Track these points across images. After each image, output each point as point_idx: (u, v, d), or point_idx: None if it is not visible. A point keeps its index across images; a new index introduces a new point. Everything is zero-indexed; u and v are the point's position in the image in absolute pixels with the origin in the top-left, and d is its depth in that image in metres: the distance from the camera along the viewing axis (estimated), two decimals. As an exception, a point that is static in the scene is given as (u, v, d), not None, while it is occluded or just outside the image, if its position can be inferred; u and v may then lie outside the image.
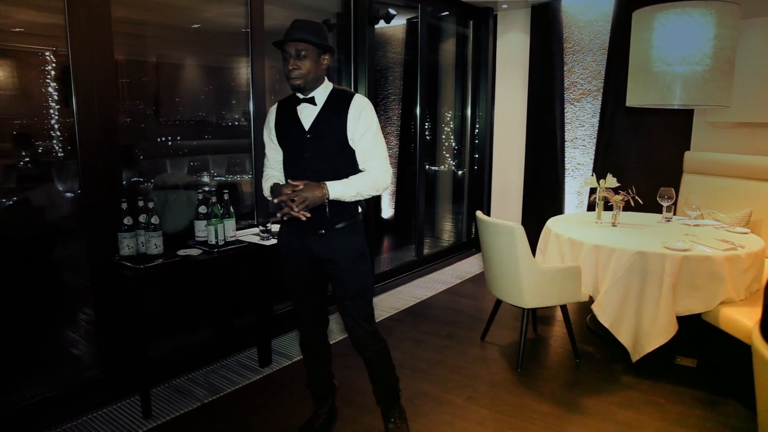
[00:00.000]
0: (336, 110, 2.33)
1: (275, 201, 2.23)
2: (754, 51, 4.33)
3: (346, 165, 2.35)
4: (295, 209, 2.17)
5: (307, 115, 2.35)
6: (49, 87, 3.32)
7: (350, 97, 2.35)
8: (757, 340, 1.57)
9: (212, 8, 3.91)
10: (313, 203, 2.20)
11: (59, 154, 3.42)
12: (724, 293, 3.18)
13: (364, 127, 2.32)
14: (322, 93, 2.36)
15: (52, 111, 3.37)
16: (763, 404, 1.60)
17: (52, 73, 3.33)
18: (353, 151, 2.35)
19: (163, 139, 3.92)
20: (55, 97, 3.36)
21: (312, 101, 2.34)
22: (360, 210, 2.46)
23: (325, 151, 2.33)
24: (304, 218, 2.19)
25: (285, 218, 2.23)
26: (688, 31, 3.48)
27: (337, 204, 2.32)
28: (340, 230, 2.38)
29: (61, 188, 3.55)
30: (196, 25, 4.01)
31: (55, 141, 3.42)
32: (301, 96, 2.34)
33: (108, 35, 2.93)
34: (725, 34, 3.46)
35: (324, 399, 2.74)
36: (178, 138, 4.04)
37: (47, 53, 3.29)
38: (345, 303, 2.44)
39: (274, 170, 2.52)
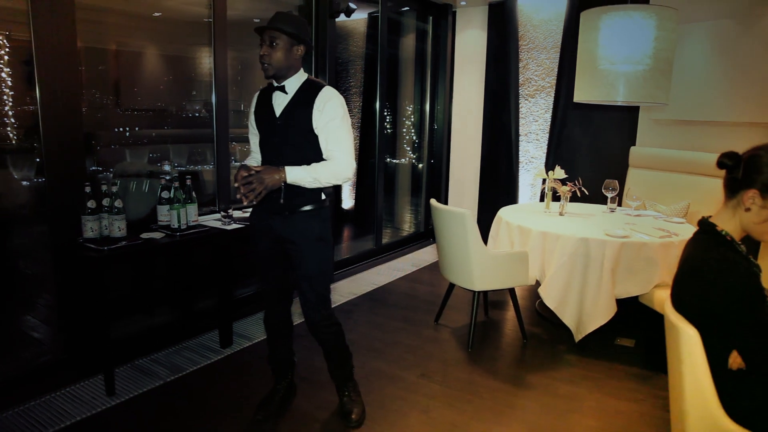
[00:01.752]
0: (304, 100, 2.47)
1: (235, 184, 2.36)
2: (692, 54, 4.62)
3: (312, 153, 2.49)
4: (246, 193, 2.31)
5: (280, 102, 2.51)
6: (1, 73, 3.33)
7: (319, 88, 2.49)
8: (668, 308, 1.77)
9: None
10: (270, 186, 2.34)
11: (13, 142, 3.43)
12: (659, 277, 3.43)
13: (328, 117, 2.44)
14: (294, 82, 2.50)
15: (5, 98, 3.37)
16: (673, 368, 1.80)
17: (6, 58, 3.33)
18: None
19: (123, 128, 3.96)
20: (9, 84, 3.36)
21: (283, 90, 2.50)
22: (323, 197, 2.60)
23: (292, 138, 2.48)
24: (251, 201, 2.35)
25: (244, 201, 2.37)
26: (630, 32, 3.71)
27: (297, 189, 2.45)
28: (303, 213, 2.53)
29: (16, 176, 3.57)
30: (157, 14, 4.06)
31: (9, 128, 3.43)
32: (275, 84, 2.50)
33: (71, 22, 2.97)
34: (664, 37, 3.70)
35: (283, 375, 2.88)
36: (137, 128, 4.08)
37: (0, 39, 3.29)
38: (301, 283, 2.57)
39: (256, 154, 2.69)
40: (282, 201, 2.47)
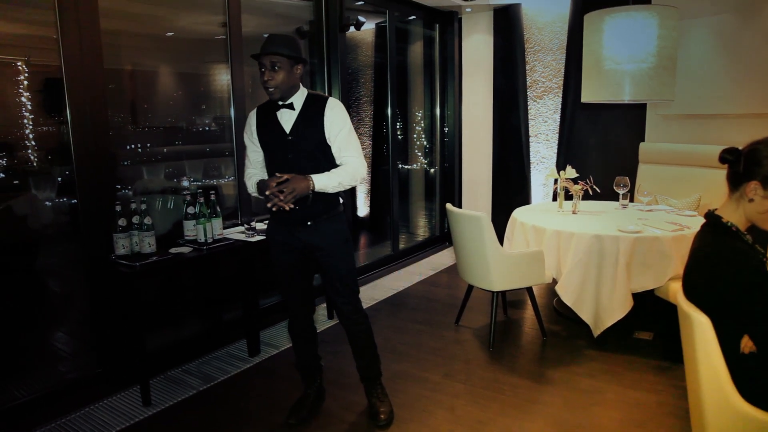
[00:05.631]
0: (313, 113, 2.59)
1: (266, 193, 2.44)
2: (695, 49, 4.69)
3: (325, 161, 2.63)
4: (282, 199, 2.41)
5: (287, 119, 2.61)
6: (22, 97, 3.46)
7: (324, 100, 2.63)
8: (680, 298, 1.86)
9: (189, 17, 4.11)
10: (300, 193, 2.45)
11: (35, 164, 3.56)
12: (673, 270, 3.49)
13: (338, 127, 2.60)
14: (299, 98, 2.61)
15: (29, 122, 3.50)
16: (688, 356, 1.88)
17: (25, 83, 3.47)
18: (329, 149, 2.62)
19: (145, 146, 4.09)
20: (30, 107, 3.49)
21: (291, 107, 2.60)
22: (341, 201, 2.75)
23: (305, 151, 2.59)
24: (288, 208, 2.44)
25: (273, 209, 2.46)
26: (633, 32, 3.80)
27: (321, 196, 2.58)
28: (325, 220, 2.66)
29: (41, 197, 3.71)
30: (170, 33, 4.20)
31: (34, 152, 3.55)
32: (280, 102, 2.59)
33: (98, 48, 3.12)
34: (666, 35, 3.79)
35: (312, 379, 2.98)
36: (151, 145, 4.20)
37: (20, 64, 3.42)
38: (335, 284, 2.72)
39: (255, 169, 2.77)
40: (310, 206, 2.57)
